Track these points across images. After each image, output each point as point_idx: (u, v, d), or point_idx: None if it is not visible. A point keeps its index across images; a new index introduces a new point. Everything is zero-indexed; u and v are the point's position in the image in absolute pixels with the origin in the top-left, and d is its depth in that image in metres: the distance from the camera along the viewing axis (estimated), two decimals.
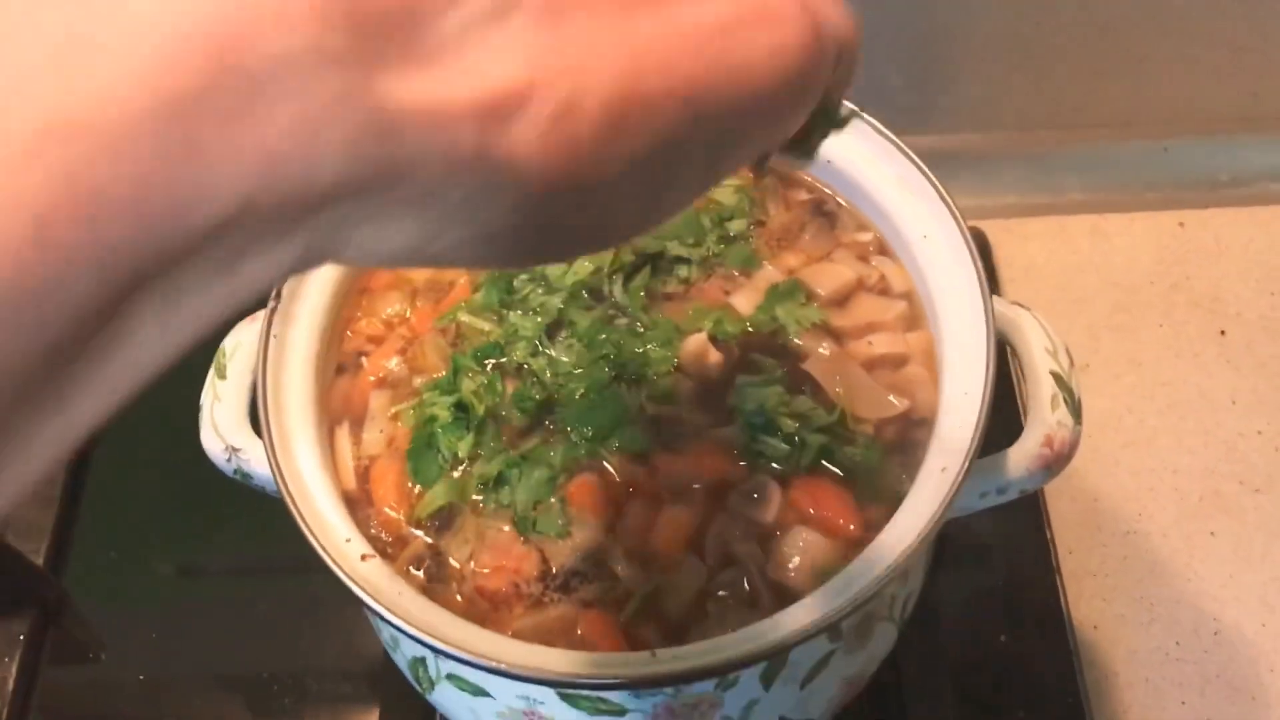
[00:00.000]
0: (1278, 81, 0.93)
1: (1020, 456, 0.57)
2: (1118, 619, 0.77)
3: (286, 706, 0.74)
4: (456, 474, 0.56)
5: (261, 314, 0.58)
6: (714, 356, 0.58)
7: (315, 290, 0.60)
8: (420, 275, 0.63)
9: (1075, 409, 0.57)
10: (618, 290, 0.61)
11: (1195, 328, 0.89)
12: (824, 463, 0.56)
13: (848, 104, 0.47)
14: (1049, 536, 0.79)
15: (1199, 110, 0.94)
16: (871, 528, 0.54)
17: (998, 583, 0.78)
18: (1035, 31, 0.89)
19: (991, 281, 0.90)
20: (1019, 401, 0.78)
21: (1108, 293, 0.91)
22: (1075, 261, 0.93)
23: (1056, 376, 0.58)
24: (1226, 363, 0.87)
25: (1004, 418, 0.60)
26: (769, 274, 0.62)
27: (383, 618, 0.49)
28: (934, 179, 0.59)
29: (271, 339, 0.57)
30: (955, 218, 0.58)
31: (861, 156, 0.62)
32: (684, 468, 0.56)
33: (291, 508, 0.52)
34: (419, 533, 0.55)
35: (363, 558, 0.52)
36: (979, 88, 0.92)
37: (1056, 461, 0.57)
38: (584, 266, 0.62)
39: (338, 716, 0.74)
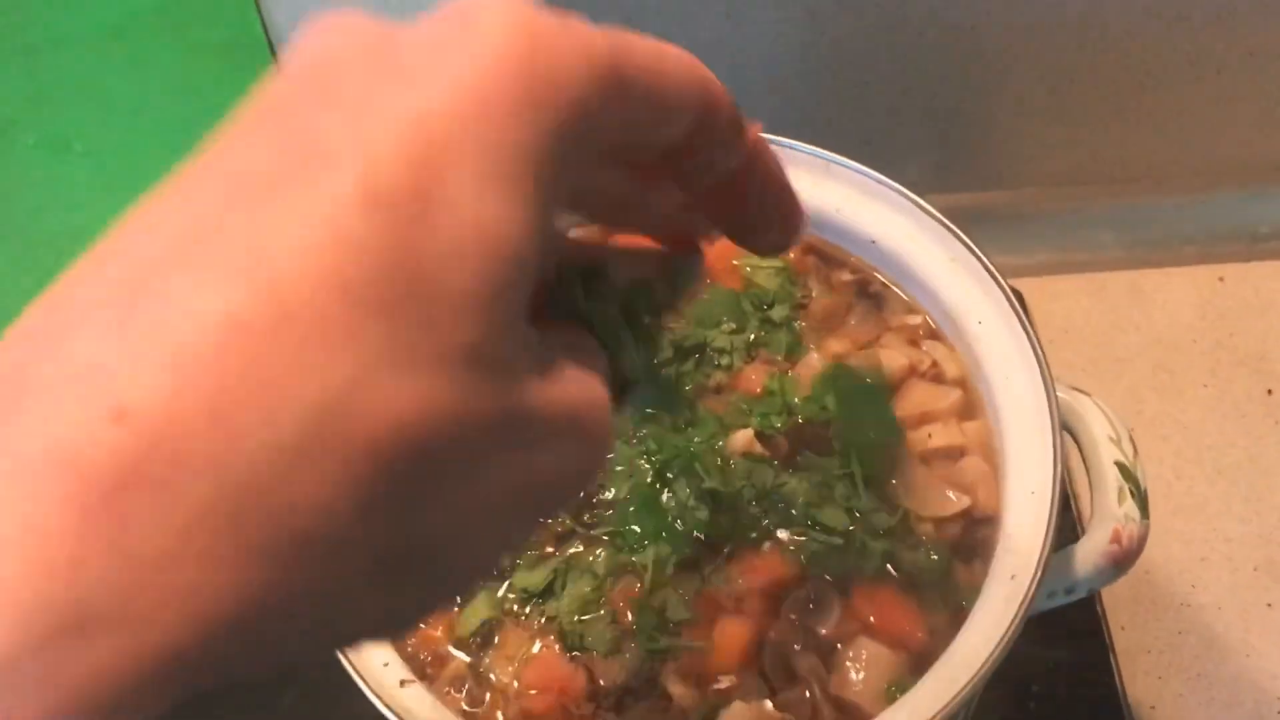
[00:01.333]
0: None
1: (1088, 554, 0.54)
2: (1176, 698, 0.74)
3: None
4: (496, 586, 0.53)
5: None
6: (762, 452, 0.56)
7: None
8: None
9: (1142, 501, 0.55)
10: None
11: (1241, 387, 0.86)
12: (887, 567, 0.53)
13: None
14: (1101, 612, 0.77)
15: (1236, 162, 0.92)
16: (936, 635, 0.51)
17: (1051, 662, 0.75)
18: (1069, 86, 0.86)
19: None
20: (1070, 488, 0.75)
21: (1149, 351, 0.89)
22: (1114, 320, 0.90)
23: (1121, 467, 0.55)
24: (1276, 424, 0.84)
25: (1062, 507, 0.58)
26: (815, 361, 0.59)
27: None
28: (988, 261, 0.57)
29: None
30: (1011, 303, 0.56)
31: (909, 235, 0.60)
32: (736, 574, 0.53)
33: None
34: (459, 652, 0.52)
35: (402, 683, 0.49)
36: (1013, 144, 0.90)
37: (1126, 558, 0.54)
38: None
39: None
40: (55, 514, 0.20)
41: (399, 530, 0.24)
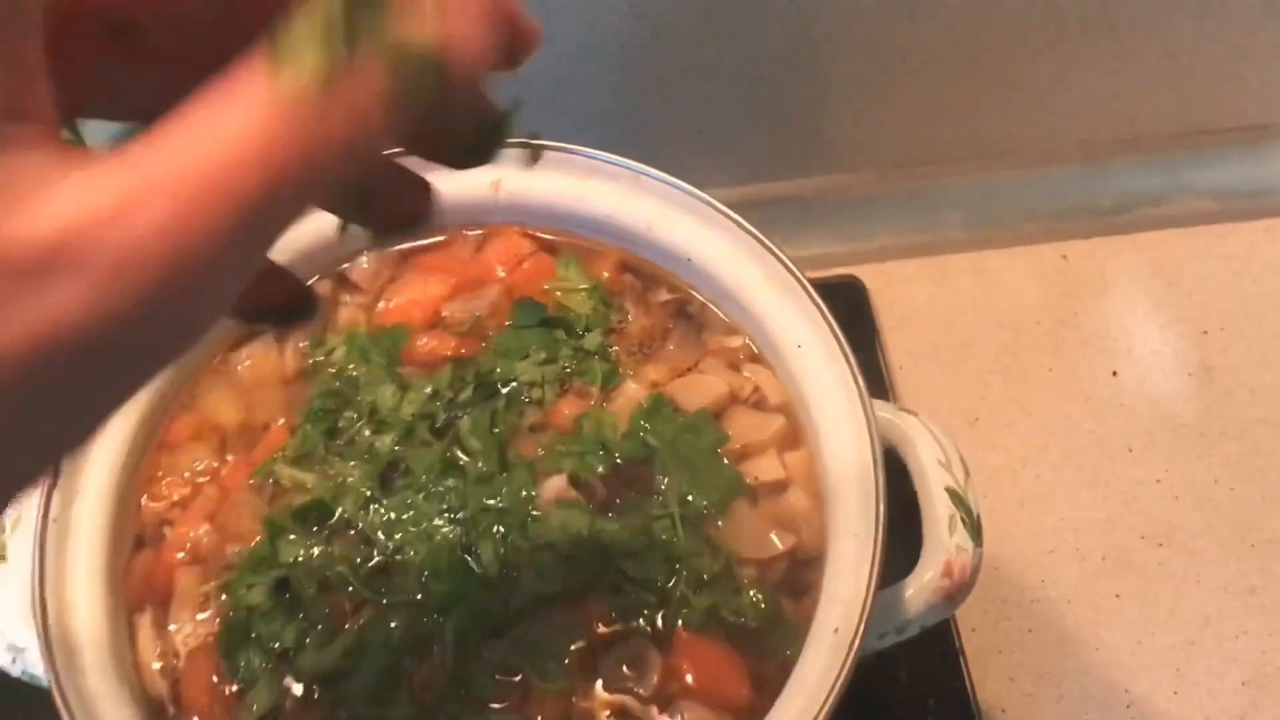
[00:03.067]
0: (1154, 103, 0.89)
1: (920, 591, 0.51)
2: (1026, 698, 0.73)
3: None
4: (282, 669, 0.48)
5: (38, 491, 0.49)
6: (577, 499, 0.51)
7: (102, 453, 0.51)
8: (230, 419, 0.55)
9: (975, 529, 0.52)
10: (464, 427, 0.53)
11: (1086, 368, 0.85)
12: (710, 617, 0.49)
13: None
14: (950, 616, 0.75)
15: (1076, 136, 0.90)
16: (764, 691, 0.48)
17: (899, 672, 0.73)
18: (901, 66, 0.83)
19: (871, 330, 0.85)
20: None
21: (994, 334, 0.87)
22: (957, 303, 0.88)
23: (952, 493, 0.52)
24: (1120, 405, 0.83)
25: (903, 527, 0.54)
26: (632, 391, 0.55)
27: None
28: (804, 280, 0.53)
29: (50, 523, 0.48)
30: (830, 325, 0.52)
31: (724, 252, 0.56)
32: (548, 637, 0.49)
33: None
34: None
35: None
36: (847, 127, 0.86)
37: (958, 591, 0.51)
38: (419, 395, 0.54)
39: None
40: None
41: None
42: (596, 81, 0.79)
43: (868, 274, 0.87)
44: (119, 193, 0.21)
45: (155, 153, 0.21)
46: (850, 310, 0.83)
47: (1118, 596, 0.76)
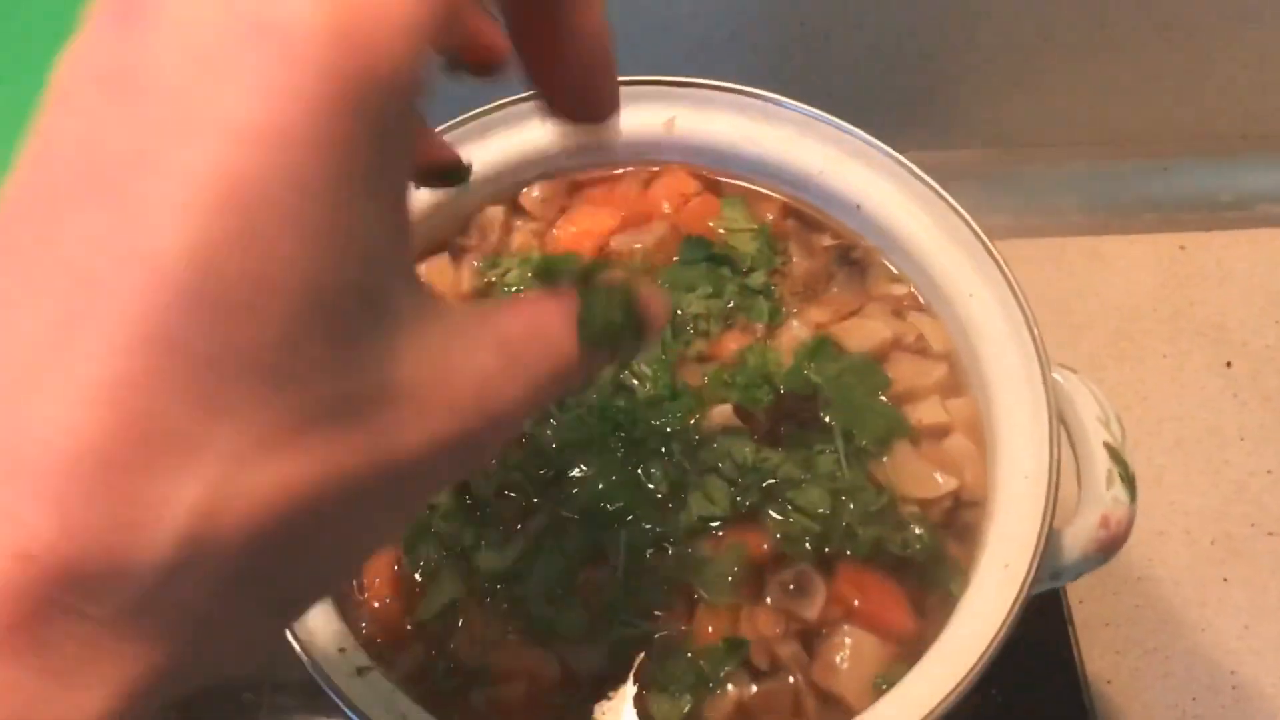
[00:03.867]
0: (1278, 100, 0.89)
1: (1076, 540, 0.52)
2: (1132, 673, 0.74)
3: None
4: (461, 566, 0.50)
5: None
6: (741, 428, 0.53)
7: None
8: None
9: (1130, 484, 0.53)
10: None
11: (1200, 358, 0.85)
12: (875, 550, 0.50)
13: None
14: (1061, 587, 0.76)
15: (1200, 130, 0.90)
16: (925, 624, 0.49)
17: (1010, 635, 0.74)
18: (1037, 47, 0.84)
19: None
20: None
21: (1108, 318, 0.87)
22: (1074, 286, 0.89)
23: (1110, 449, 0.53)
24: (1233, 396, 0.84)
25: None
26: (795, 330, 0.56)
27: None
28: (981, 231, 0.54)
29: None
30: (1006, 274, 0.54)
31: (895, 201, 0.57)
32: (714, 554, 0.50)
33: None
34: (421, 636, 0.49)
35: (359, 671, 0.46)
36: (977, 104, 0.87)
37: (1113, 543, 0.52)
38: None
39: None
40: None
41: (277, 586, 0.25)
42: (736, 43, 0.80)
43: None
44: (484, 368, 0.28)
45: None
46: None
47: (1225, 581, 0.77)
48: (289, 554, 0.25)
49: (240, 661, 0.27)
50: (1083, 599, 0.76)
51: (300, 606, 0.28)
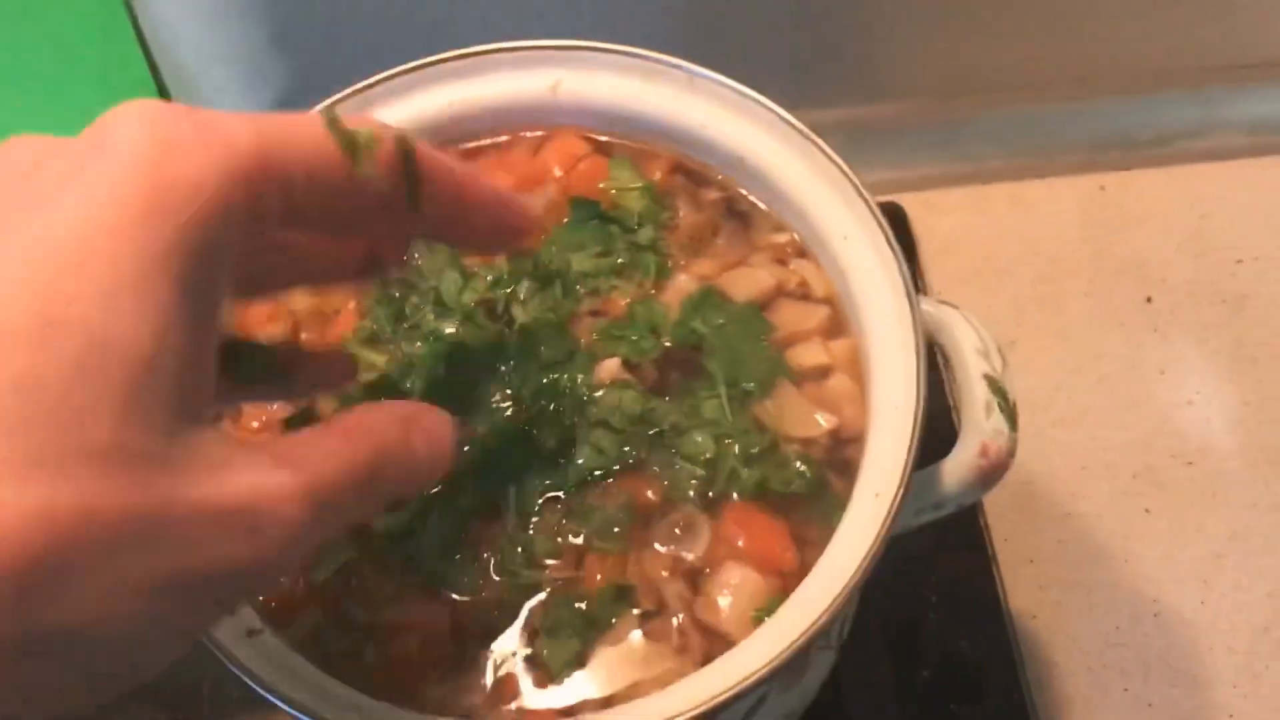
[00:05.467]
0: (1193, 36, 0.90)
1: (956, 469, 0.53)
2: (1055, 606, 0.76)
3: None
4: (354, 531, 0.51)
5: None
6: (629, 380, 0.54)
7: None
8: (302, 303, 0.58)
9: (1010, 415, 0.54)
10: (519, 313, 0.56)
11: (1121, 296, 0.87)
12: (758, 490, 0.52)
13: None
14: (984, 525, 0.77)
15: (1115, 68, 0.91)
16: (806, 558, 0.50)
17: (933, 576, 0.76)
18: None
19: (911, 257, 0.87)
20: (950, 402, 0.75)
21: (1031, 263, 0.89)
22: (996, 232, 0.90)
23: (990, 380, 0.55)
24: (1154, 331, 0.85)
25: (936, 424, 0.57)
26: (682, 283, 0.58)
27: (279, 705, 0.44)
28: (852, 175, 0.55)
29: None
30: (876, 216, 0.55)
31: (773, 151, 0.58)
32: (602, 504, 0.52)
33: None
34: (315, 598, 0.50)
35: (249, 633, 0.47)
36: (889, 57, 0.88)
37: (993, 472, 0.54)
38: (481, 283, 0.57)
39: None
40: None
41: (26, 620, 0.26)
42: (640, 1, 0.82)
43: (909, 202, 0.89)
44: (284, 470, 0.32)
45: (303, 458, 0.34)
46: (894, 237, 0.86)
47: (1147, 512, 0.78)
48: (43, 591, 0.26)
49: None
50: (1006, 537, 0.77)
51: (54, 672, 0.28)
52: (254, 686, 0.44)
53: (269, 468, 0.32)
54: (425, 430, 0.39)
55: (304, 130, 0.34)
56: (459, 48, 0.59)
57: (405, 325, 0.57)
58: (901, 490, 0.47)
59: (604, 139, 0.62)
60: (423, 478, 0.40)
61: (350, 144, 0.35)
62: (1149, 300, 0.86)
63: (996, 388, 0.54)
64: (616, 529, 0.51)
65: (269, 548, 0.31)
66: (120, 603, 0.28)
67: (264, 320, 0.57)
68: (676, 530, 0.51)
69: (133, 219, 0.28)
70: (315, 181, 0.34)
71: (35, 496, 0.26)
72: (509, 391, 0.54)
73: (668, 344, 0.56)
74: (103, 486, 0.27)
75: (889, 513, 0.47)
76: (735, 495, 0.52)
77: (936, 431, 0.54)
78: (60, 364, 0.27)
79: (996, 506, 0.77)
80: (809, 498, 0.52)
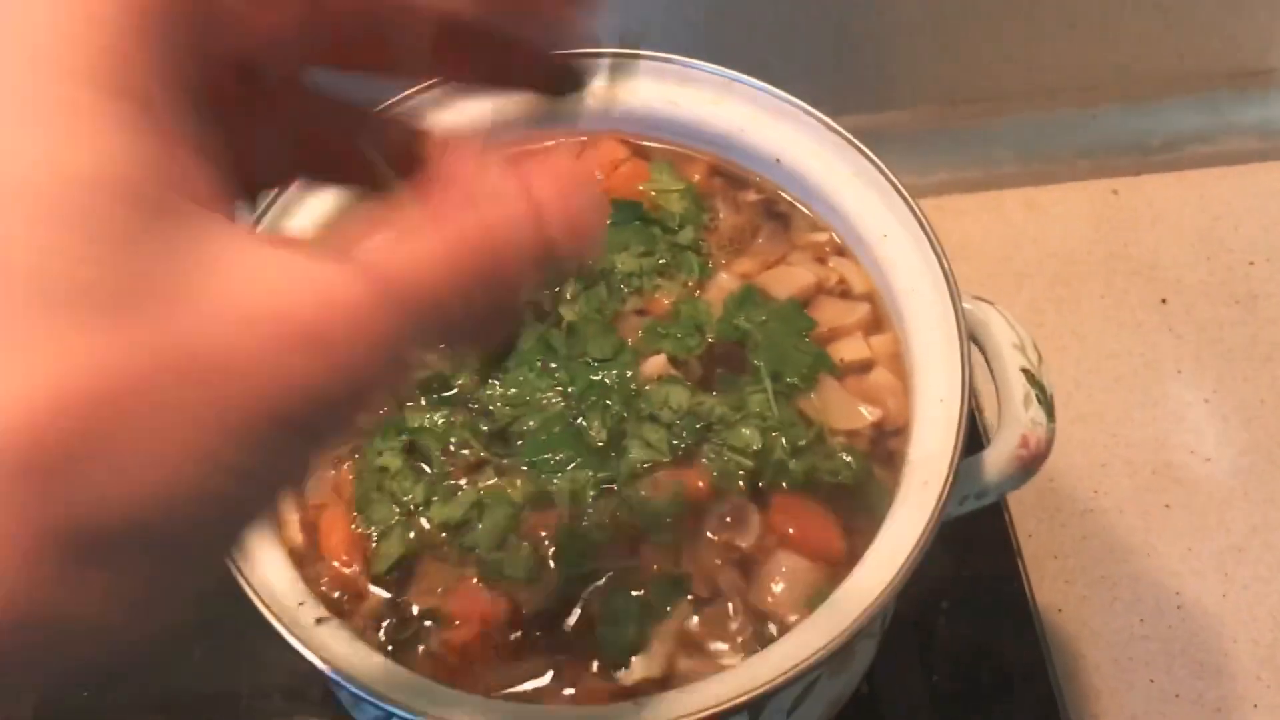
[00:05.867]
0: (1203, 42, 0.92)
1: (997, 459, 0.55)
2: (1081, 600, 0.77)
3: None
4: (413, 521, 0.52)
5: None
6: (676, 376, 0.55)
7: None
8: None
9: (1048, 406, 0.56)
10: (567, 312, 0.57)
11: (1136, 296, 0.88)
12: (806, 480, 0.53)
13: None
14: (1009, 520, 0.78)
15: (1126, 75, 0.93)
16: (856, 545, 0.52)
17: (960, 573, 0.77)
18: (958, 5, 0.87)
19: None
20: (975, 400, 0.76)
21: (1047, 265, 0.90)
22: (1011, 235, 0.92)
23: (1027, 374, 0.56)
24: (1169, 331, 0.87)
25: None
26: (724, 282, 0.59)
27: (347, 689, 0.45)
28: (890, 174, 0.57)
29: None
30: (915, 213, 0.56)
31: (811, 153, 0.60)
32: (654, 495, 0.53)
33: (235, 572, 0.48)
34: (377, 588, 0.51)
35: (318, 621, 0.48)
36: (905, 65, 0.90)
37: (1034, 461, 0.55)
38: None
39: None
40: None
41: (76, 512, 0.21)
42: (667, 12, 0.83)
43: (926, 208, 0.90)
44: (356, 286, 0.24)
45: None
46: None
47: (1167, 507, 0.80)
48: (67, 481, 0.21)
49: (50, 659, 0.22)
50: (1031, 533, 0.79)
51: (143, 564, 0.23)
52: (327, 672, 0.45)
53: (329, 266, 0.24)
54: (561, 198, 0.27)
55: None
56: None
57: None
58: (950, 479, 0.49)
59: (644, 143, 0.63)
60: (564, 265, 0.28)
61: None
62: (1164, 301, 0.88)
63: (1035, 381, 0.56)
64: (669, 519, 0.53)
65: (348, 362, 0.24)
66: (178, 465, 0.22)
67: None
68: (728, 520, 0.53)
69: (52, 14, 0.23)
70: None
71: (24, 375, 0.21)
72: (559, 388, 0.55)
73: (711, 340, 0.57)
74: (98, 338, 0.21)
75: (939, 500, 0.48)
76: (784, 486, 0.53)
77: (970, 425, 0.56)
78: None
79: (1020, 504, 0.79)
80: (855, 488, 0.53)
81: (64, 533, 0.21)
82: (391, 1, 0.29)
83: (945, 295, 0.54)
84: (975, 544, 0.77)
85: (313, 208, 0.56)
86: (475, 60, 0.32)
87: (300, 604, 0.49)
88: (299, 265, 0.24)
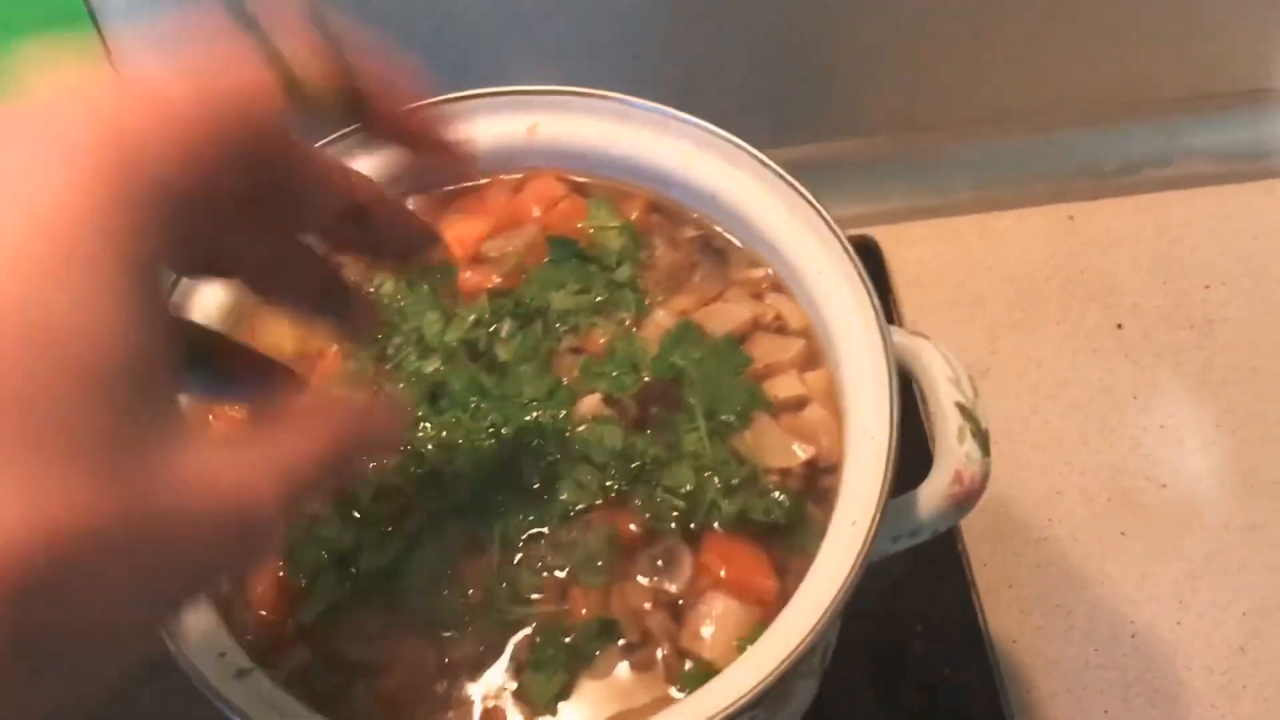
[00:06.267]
0: (1156, 66, 0.92)
1: (930, 496, 0.54)
2: (1036, 630, 0.76)
3: None
4: (343, 568, 0.52)
5: None
6: (610, 415, 0.55)
7: None
8: (288, 347, 0.58)
9: (983, 441, 0.55)
10: (501, 351, 0.57)
11: (1093, 322, 0.88)
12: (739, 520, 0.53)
13: None
14: (962, 549, 0.78)
15: (1081, 100, 0.94)
16: (787, 586, 0.51)
17: (914, 603, 0.77)
18: (909, 32, 0.87)
19: (885, 289, 0.88)
20: (927, 432, 0.76)
21: (1003, 291, 0.90)
22: (968, 262, 0.92)
23: (961, 408, 0.56)
24: (1125, 357, 0.87)
25: (914, 451, 0.58)
26: (660, 319, 0.59)
27: None
28: (823, 211, 0.57)
29: None
30: (847, 250, 0.56)
31: (747, 190, 0.59)
32: (584, 538, 0.53)
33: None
34: (304, 637, 0.51)
35: (239, 673, 0.48)
36: (857, 93, 0.90)
37: (967, 498, 0.55)
38: (463, 322, 0.58)
39: None
40: None
41: (24, 630, 0.25)
42: (606, 48, 0.83)
43: (881, 234, 0.91)
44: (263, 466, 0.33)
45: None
46: (865, 270, 0.87)
47: (1123, 534, 0.79)
48: (43, 603, 0.25)
49: None
50: (985, 562, 0.78)
51: (73, 676, 0.27)
52: None
53: (253, 466, 0.32)
54: (381, 412, 0.44)
55: (245, 81, 0.32)
56: (435, 95, 0.61)
57: (388, 366, 0.58)
58: (877, 517, 0.48)
59: (581, 180, 0.63)
60: (381, 454, 0.48)
61: (290, 81, 0.35)
62: (1119, 327, 0.88)
63: (969, 415, 0.55)
64: (599, 562, 0.52)
65: (259, 544, 0.33)
66: (118, 606, 0.28)
67: None
68: (659, 562, 0.52)
69: (82, 203, 0.27)
70: (262, 134, 0.33)
71: (22, 505, 0.25)
72: (492, 430, 0.55)
73: (647, 379, 0.57)
74: (93, 488, 0.26)
75: (865, 540, 0.48)
76: (716, 526, 0.53)
77: (915, 460, 0.56)
78: (24, 368, 0.26)
79: (974, 532, 0.78)
80: (788, 527, 0.53)
81: (28, 646, 0.26)
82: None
83: (874, 331, 0.54)
84: (929, 573, 0.77)
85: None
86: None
87: (222, 655, 0.48)
88: (231, 461, 0.32)
